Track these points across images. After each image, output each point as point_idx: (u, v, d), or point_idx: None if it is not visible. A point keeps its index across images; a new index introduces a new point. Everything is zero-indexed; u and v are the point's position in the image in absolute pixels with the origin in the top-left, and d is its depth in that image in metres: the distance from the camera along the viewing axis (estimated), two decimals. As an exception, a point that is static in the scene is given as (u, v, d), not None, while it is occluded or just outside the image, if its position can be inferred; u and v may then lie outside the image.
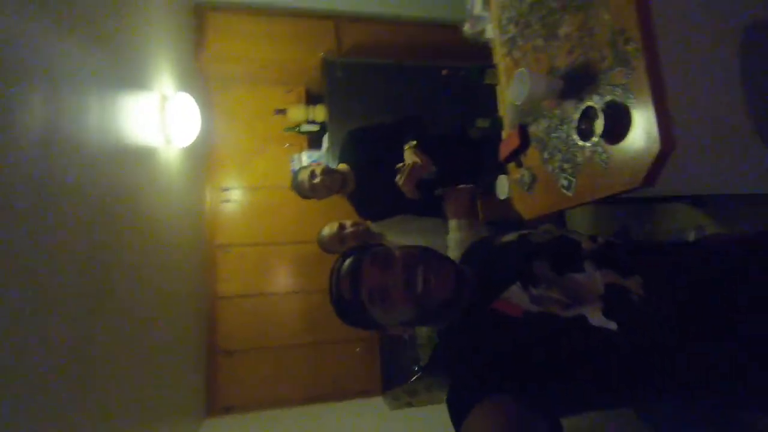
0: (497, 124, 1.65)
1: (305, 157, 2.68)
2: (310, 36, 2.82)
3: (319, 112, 2.77)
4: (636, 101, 0.98)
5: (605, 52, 1.07)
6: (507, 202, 1.61)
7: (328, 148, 2.66)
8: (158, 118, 1.84)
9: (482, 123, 1.71)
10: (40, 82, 1.01)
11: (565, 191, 1.23)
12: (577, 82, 1.17)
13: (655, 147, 0.93)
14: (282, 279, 2.83)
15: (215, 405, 2.58)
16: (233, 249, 2.75)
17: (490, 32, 1.71)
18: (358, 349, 2.82)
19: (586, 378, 0.67)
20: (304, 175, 1.80)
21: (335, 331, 2.81)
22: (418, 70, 2.71)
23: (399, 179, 1.64)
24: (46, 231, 1.00)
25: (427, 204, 1.70)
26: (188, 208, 2.35)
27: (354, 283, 0.75)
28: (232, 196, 2.81)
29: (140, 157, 1.66)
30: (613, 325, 0.65)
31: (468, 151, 1.85)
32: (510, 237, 0.88)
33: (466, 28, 1.78)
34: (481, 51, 1.85)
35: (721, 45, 1.21)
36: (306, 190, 1.81)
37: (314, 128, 2.79)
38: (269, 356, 2.72)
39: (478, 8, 1.71)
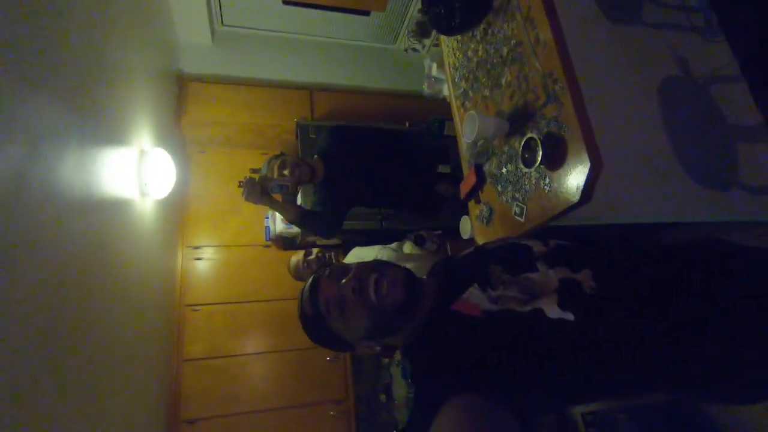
0: (457, 169, 1.80)
1: (279, 215, 2.74)
2: (286, 103, 3.04)
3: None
4: (568, 130, 1.13)
5: (539, 93, 1.24)
6: (472, 241, 1.70)
7: (302, 205, 2.75)
8: (135, 171, 1.91)
9: (443, 168, 1.85)
10: (18, 134, 1.02)
11: (518, 218, 1.33)
12: (519, 120, 1.32)
13: (586, 165, 1.05)
14: (252, 339, 2.74)
15: (174, 483, 2.34)
16: (202, 308, 2.69)
17: (446, 90, 1.92)
18: (332, 413, 2.68)
19: (551, 373, 0.67)
20: (274, 164, 1.86)
21: (309, 394, 2.68)
22: (384, 132, 2.92)
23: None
24: (8, 285, 0.96)
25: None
26: (160, 263, 2.33)
27: (313, 298, 0.79)
28: (204, 254, 2.80)
29: (115, 208, 1.69)
30: (569, 316, 0.68)
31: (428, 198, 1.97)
32: (467, 250, 0.93)
33: (425, 87, 1.99)
34: (440, 109, 2.06)
35: (641, 91, 1.43)
36: (275, 183, 1.86)
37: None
38: (236, 424, 2.54)
39: (434, 70, 1.93)
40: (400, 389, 2.91)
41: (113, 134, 1.70)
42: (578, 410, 2.50)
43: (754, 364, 0.73)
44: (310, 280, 0.82)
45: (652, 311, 0.72)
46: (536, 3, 1.25)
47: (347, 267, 0.80)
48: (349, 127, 2.12)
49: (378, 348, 0.83)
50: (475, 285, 0.76)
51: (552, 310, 0.69)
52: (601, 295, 0.72)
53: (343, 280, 0.77)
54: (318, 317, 0.78)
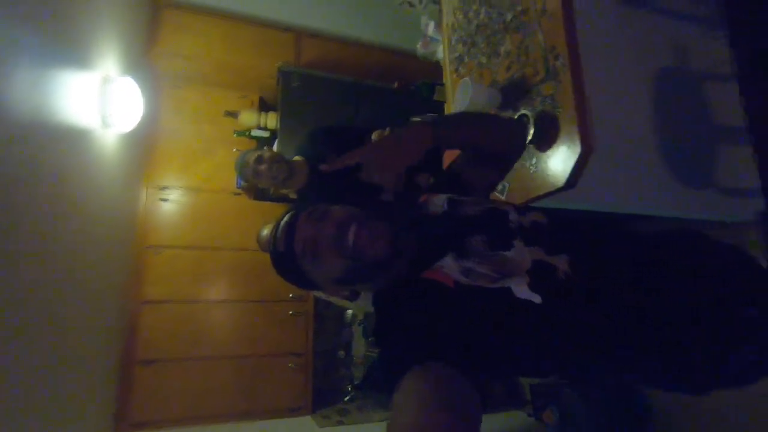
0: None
1: (252, 161, 2.63)
2: (269, 45, 2.85)
3: (271, 120, 2.76)
4: (563, 110, 1.09)
5: (538, 67, 1.18)
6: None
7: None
8: (97, 99, 1.75)
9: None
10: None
11: (498, 195, 1.30)
12: (514, 94, 1.27)
13: (577, 149, 1.02)
14: (216, 286, 2.68)
15: (126, 420, 2.34)
16: (164, 251, 2.60)
17: (440, 53, 1.82)
18: (291, 365, 2.71)
19: (511, 347, 0.69)
20: (251, 157, 1.71)
21: (269, 345, 2.69)
22: (372, 89, 2.80)
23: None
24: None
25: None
26: (121, 199, 2.21)
27: (288, 236, 0.75)
28: (171, 196, 2.68)
29: (71, 136, 1.56)
30: (537, 298, 0.68)
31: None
32: (440, 207, 0.86)
33: (419, 47, 1.89)
34: (432, 73, 1.97)
35: (638, 78, 1.39)
36: (249, 173, 1.73)
37: (265, 134, 2.77)
38: (194, 368, 2.53)
39: (431, 30, 1.82)
40: (360, 347, 2.97)
41: (73, 55, 1.55)
42: (526, 380, 2.64)
43: (704, 354, 0.75)
44: (288, 216, 0.78)
45: (622, 300, 0.72)
46: (549, -31, 1.17)
47: (328, 209, 0.76)
48: (334, 127, 1.93)
49: (345, 293, 0.81)
50: (452, 254, 0.74)
51: (521, 290, 0.69)
52: (574, 282, 0.72)
53: (322, 224, 0.73)
54: (290, 255, 0.75)
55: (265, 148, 1.80)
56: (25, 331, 1.29)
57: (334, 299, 1.79)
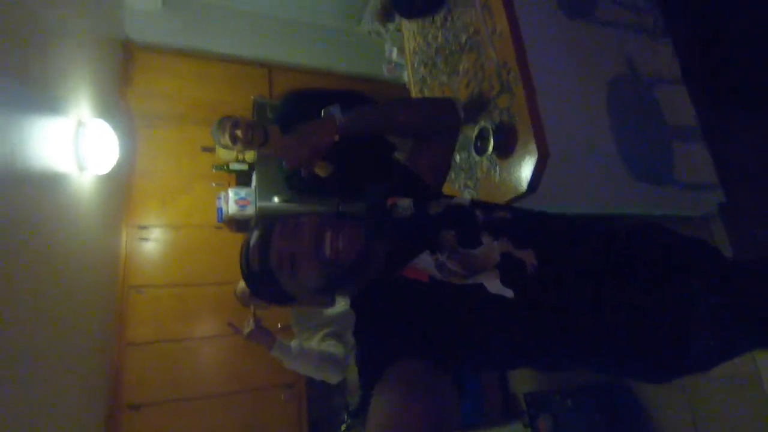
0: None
1: (231, 194, 2.65)
2: (242, 80, 2.92)
3: (249, 153, 2.80)
4: (518, 120, 1.15)
5: (493, 82, 1.25)
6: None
7: (258, 186, 2.67)
8: (72, 143, 1.77)
9: (399, 156, 1.85)
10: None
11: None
12: (474, 108, 1.34)
13: (534, 155, 1.07)
14: (200, 322, 2.65)
15: (115, 471, 2.26)
16: (147, 290, 2.57)
17: (406, 76, 1.90)
18: (283, 397, 2.66)
19: (486, 341, 0.70)
20: (227, 123, 1.75)
21: (259, 378, 2.65)
22: (350, 95, 2.85)
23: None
24: None
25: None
26: (100, 243, 2.20)
27: (263, 254, 0.74)
28: (151, 235, 2.67)
29: (46, 181, 1.57)
30: (509, 293, 0.70)
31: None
32: (405, 206, 0.88)
33: (385, 72, 1.97)
34: (402, 95, 2.05)
35: (590, 87, 1.47)
36: (225, 136, 1.76)
37: (243, 167, 2.80)
38: (184, 410, 2.47)
39: (395, 56, 1.91)
40: (354, 373, 2.93)
41: (45, 102, 1.57)
42: (520, 391, 2.64)
43: (667, 343, 0.78)
44: (258, 233, 0.77)
45: (589, 292, 0.75)
46: (495, -8, 1.25)
47: (299, 221, 0.76)
48: (308, 92, 1.97)
49: (325, 300, 0.81)
50: (427, 251, 0.75)
51: (493, 285, 0.70)
52: (542, 276, 0.74)
53: (297, 238, 0.73)
54: (266, 272, 0.74)
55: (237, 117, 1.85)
56: (11, 379, 1.27)
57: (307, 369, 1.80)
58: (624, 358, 0.80)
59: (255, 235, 0.77)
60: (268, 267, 0.74)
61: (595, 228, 0.90)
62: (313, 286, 0.75)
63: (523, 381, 2.74)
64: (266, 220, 0.81)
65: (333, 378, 1.78)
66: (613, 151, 1.48)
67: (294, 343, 1.78)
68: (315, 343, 1.82)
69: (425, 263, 0.74)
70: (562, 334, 0.74)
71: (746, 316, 0.82)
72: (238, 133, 1.74)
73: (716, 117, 1.74)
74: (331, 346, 1.80)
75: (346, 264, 0.72)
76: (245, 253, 0.78)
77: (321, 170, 1.80)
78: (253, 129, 1.77)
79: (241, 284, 1.81)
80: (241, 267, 0.79)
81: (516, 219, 0.85)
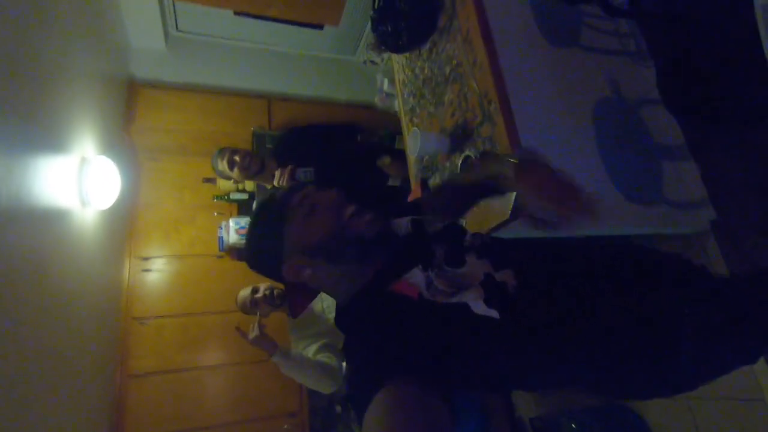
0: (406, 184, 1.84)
1: (232, 224, 2.70)
2: (242, 112, 3.01)
3: (249, 182, 2.86)
4: (499, 149, 1.18)
5: (476, 112, 1.29)
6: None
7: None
8: (75, 180, 1.83)
9: (394, 182, 1.89)
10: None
11: (458, 231, 1.37)
12: (459, 137, 1.37)
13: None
14: (204, 352, 2.66)
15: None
16: (151, 321, 2.59)
17: (397, 105, 1.96)
18: (286, 427, 2.64)
19: (475, 361, 0.70)
20: (226, 152, 1.87)
21: (261, 408, 2.63)
22: (341, 128, 2.92)
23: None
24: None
25: None
26: (103, 275, 2.24)
27: (292, 189, 0.79)
28: (154, 266, 2.71)
29: (50, 218, 1.62)
30: (494, 314, 0.70)
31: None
32: (403, 225, 0.89)
33: (377, 101, 2.03)
34: (394, 122, 2.11)
35: (574, 111, 1.51)
36: (223, 162, 1.87)
37: (244, 197, 2.86)
38: (186, 442, 2.46)
39: (386, 86, 1.97)
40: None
41: (49, 141, 1.63)
42: (527, 415, 2.59)
43: (649, 358, 0.79)
44: (294, 185, 0.82)
45: (570, 310, 0.76)
46: (474, 25, 1.31)
47: (332, 188, 0.81)
48: (303, 129, 2.10)
49: (308, 271, 0.78)
50: (420, 266, 0.75)
51: (477, 306, 0.71)
52: (522, 296, 0.74)
53: (329, 192, 0.78)
54: (283, 203, 0.77)
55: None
56: (12, 409, 1.28)
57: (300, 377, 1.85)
58: (607, 374, 0.80)
59: (291, 184, 0.83)
60: (289, 200, 0.77)
61: (577, 248, 0.91)
62: (309, 242, 0.76)
63: (529, 406, 2.69)
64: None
65: (327, 388, 1.84)
66: (601, 173, 1.51)
67: (294, 352, 1.85)
68: (311, 353, 1.89)
69: (417, 279, 0.74)
70: (547, 352, 0.74)
71: (731, 331, 0.82)
72: (236, 158, 1.86)
73: (702, 135, 1.76)
74: (326, 358, 1.86)
75: (351, 235, 0.75)
76: (270, 195, 0.82)
77: (393, 173, 1.88)
78: (251, 157, 1.88)
79: (242, 293, 1.88)
80: (256, 207, 0.83)
81: (495, 241, 0.86)
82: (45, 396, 1.54)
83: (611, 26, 1.83)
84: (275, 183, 1.77)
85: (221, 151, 1.92)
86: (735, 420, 1.65)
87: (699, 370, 0.82)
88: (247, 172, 1.87)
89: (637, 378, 0.81)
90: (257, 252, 0.83)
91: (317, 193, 0.78)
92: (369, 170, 1.91)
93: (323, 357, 1.86)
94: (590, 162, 1.50)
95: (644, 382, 0.82)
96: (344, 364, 1.88)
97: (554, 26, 1.60)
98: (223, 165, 1.88)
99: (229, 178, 1.90)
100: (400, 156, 1.87)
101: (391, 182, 1.85)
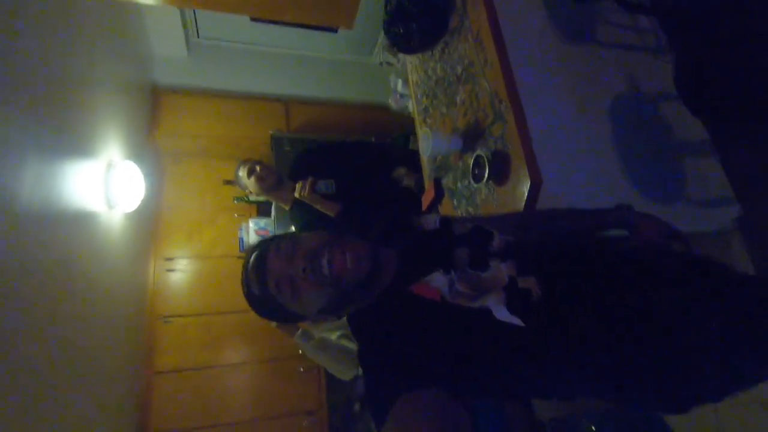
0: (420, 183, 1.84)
1: (252, 225, 2.76)
2: (261, 115, 3.07)
3: (260, 196, 2.91)
4: (511, 148, 1.18)
5: (487, 111, 1.29)
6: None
7: (276, 216, 2.77)
8: (102, 184, 1.91)
9: (409, 182, 1.89)
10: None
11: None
12: (472, 137, 1.37)
13: (527, 182, 1.10)
14: (226, 350, 2.73)
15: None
16: (174, 320, 2.67)
17: (411, 106, 1.97)
18: (305, 424, 2.68)
19: (496, 367, 0.68)
20: (248, 164, 1.90)
21: (282, 405, 2.68)
22: (355, 145, 2.96)
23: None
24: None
25: None
26: (129, 275, 2.32)
27: (261, 278, 0.70)
28: (178, 266, 2.80)
29: (79, 221, 1.69)
30: (517, 321, 0.67)
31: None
32: (431, 221, 0.86)
33: (391, 103, 2.04)
34: (407, 124, 2.11)
35: (591, 108, 1.49)
36: (245, 169, 1.91)
37: (262, 198, 2.91)
38: (208, 436, 2.53)
39: (400, 87, 1.98)
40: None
41: (77, 147, 1.71)
42: (546, 415, 2.55)
43: (675, 369, 0.76)
44: (255, 256, 0.72)
45: (594, 320, 0.74)
46: (484, 25, 1.31)
47: (296, 240, 0.72)
48: (318, 147, 2.14)
49: (334, 318, 0.77)
50: (441, 270, 0.72)
51: (500, 312, 0.68)
52: (546, 303, 0.72)
53: (294, 260, 0.69)
54: (266, 296, 0.70)
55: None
56: (43, 406, 1.35)
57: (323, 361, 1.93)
58: (631, 386, 0.78)
59: (252, 258, 0.73)
60: (266, 291, 0.70)
61: (597, 252, 0.88)
62: (318, 308, 0.72)
63: (548, 408, 2.66)
64: (264, 240, 0.76)
65: (347, 373, 1.89)
66: (617, 171, 1.48)
67: (315, 333, 1.91)
68: (334, 338, 1.94)
69: (438, 282, 0.71)
70: (570, 363, 0.73)
71: (757, 339, 0.79)
72: (258, 167, 1.89)
73: (725, 130, 1.71)
74: (348, 342, 1.91)
75: (348, 283, 0.69)
76: (244, 276, 0.73)
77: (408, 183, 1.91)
78: (270, 170, 1.91)
79: (240, 172, 1.97)
80: (242, 287, 0.74)
81: (516, 242, 0.83)
82: (75, 392, 1.61)
83: (628, 22, 1.79)
84: (296, 195, 1.79)
85: (246, 161, 1.97)
86: (762, 427, 1.59)
87: (724, 380, 0.79)
88: (262, 183, 1.90)
89: (663, 389, 0.78)
90: (279, 321, 0.82)
91: (284, 263, 0.70)
92: (386, 181, 1.94)
93: (345, 342, 1.91)
94: (606, 160, 1.47)
95: (669, 395, 0.80)
96: None
97: (567, 23, 1.58)
98: (243, 172, 1.93)
99: (245, 187, 1.95)
100: (413, 158, 1.88)
101: (405, 183, 1.86)
